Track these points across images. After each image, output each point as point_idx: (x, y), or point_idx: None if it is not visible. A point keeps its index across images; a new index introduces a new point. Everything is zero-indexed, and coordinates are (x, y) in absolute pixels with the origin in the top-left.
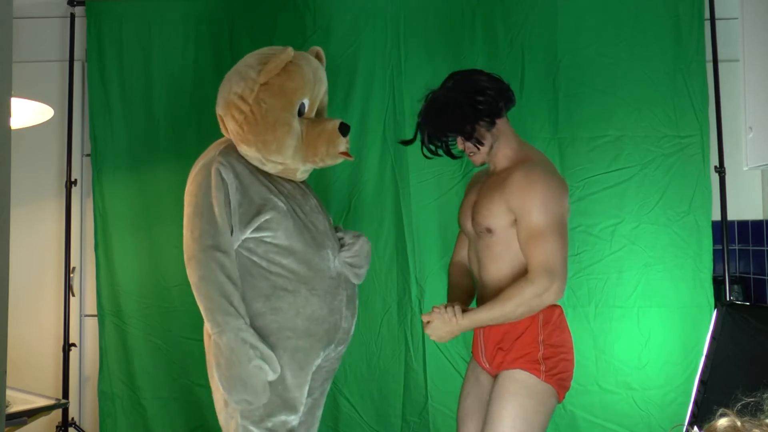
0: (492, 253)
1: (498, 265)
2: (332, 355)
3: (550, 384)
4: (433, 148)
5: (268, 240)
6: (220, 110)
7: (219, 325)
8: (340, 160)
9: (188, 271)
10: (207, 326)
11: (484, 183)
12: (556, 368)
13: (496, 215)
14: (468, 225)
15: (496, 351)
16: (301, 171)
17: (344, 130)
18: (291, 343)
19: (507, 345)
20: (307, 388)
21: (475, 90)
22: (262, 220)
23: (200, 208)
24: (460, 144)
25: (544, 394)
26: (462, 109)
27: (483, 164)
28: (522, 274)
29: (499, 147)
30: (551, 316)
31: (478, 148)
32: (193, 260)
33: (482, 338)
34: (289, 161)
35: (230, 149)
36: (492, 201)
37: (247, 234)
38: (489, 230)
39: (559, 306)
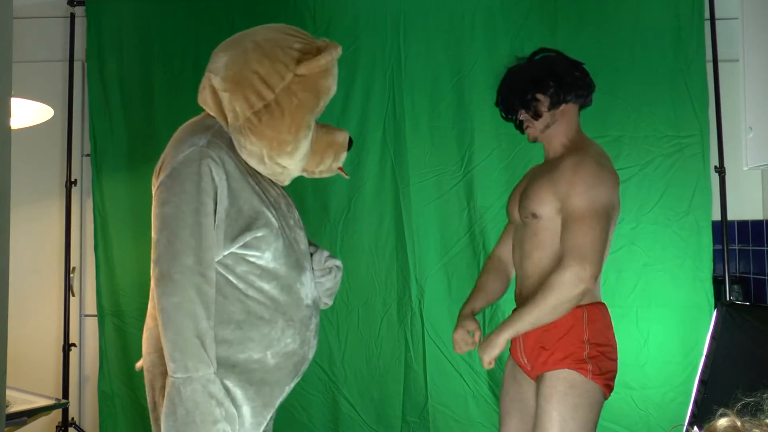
0: (537, 241)
1: (541, 253)
2: (292, 387)
3: (597, 383)
4: (508, 115)
5: (252, 260)
6: (220, 83)
7: (187, 370)
8: (334, 174)
9: (157, 291)
10: (167, 364)
11: (537, 171)
12: (602, 367)
13: (544, 201)
14: (515, 212)
15: (538, 350)
16: (292, 177)
17: (350, 145)
18: (257, 376)
19: (550, 344)
20: (263, 428)
21: (548, 68)
22: (252, 237)
23: (183, 213)
24: (520, 114)
25: (593, 393)
26: (528, 80)
27: (535, 141)
28: None
29: (555, 130)
30: (596, 314)
31: (534, 120)
32: (167, 280)
33: (521, 335)
34: (293, 167)
35: (220, 137)
36: (541, 187)
37: (231, 249)
38: (534, 215)
39: (604, 303)
